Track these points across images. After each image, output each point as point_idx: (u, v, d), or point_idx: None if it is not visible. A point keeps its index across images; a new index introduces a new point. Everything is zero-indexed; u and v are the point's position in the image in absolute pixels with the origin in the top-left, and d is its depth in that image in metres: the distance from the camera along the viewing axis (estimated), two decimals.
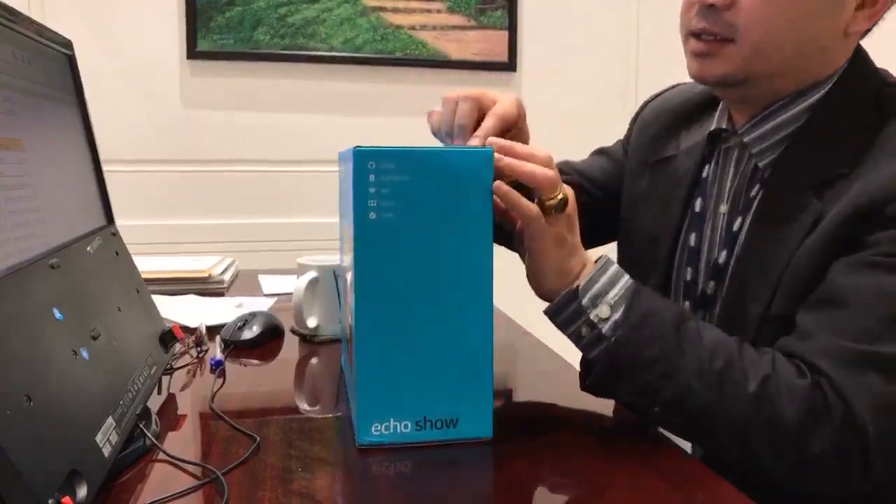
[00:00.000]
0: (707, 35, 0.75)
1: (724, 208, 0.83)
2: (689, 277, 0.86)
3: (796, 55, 0.75)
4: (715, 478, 0.62)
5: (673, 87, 1.02)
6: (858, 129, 0.73)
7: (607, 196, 1.02)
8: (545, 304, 0.73)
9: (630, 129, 1.04)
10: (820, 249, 0.69)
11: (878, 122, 0.72)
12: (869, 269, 0.67)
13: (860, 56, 0.78)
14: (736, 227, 0.80)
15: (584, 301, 0.69)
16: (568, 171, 1.05)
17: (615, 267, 0.72)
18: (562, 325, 0.72)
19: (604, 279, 0.70)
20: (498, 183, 0.65)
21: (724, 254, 0.81)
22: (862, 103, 0.74)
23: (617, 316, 0.69)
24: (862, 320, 0.65)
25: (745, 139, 0.80)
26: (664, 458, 0.66)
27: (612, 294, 0.70)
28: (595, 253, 0.75)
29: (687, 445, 0.85)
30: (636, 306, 0.69)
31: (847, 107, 0.75)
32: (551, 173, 0.67)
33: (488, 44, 2.31)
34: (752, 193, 0.80)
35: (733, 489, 0.60)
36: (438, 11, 2.27)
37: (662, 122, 0.97)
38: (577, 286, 0.70)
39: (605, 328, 0.69)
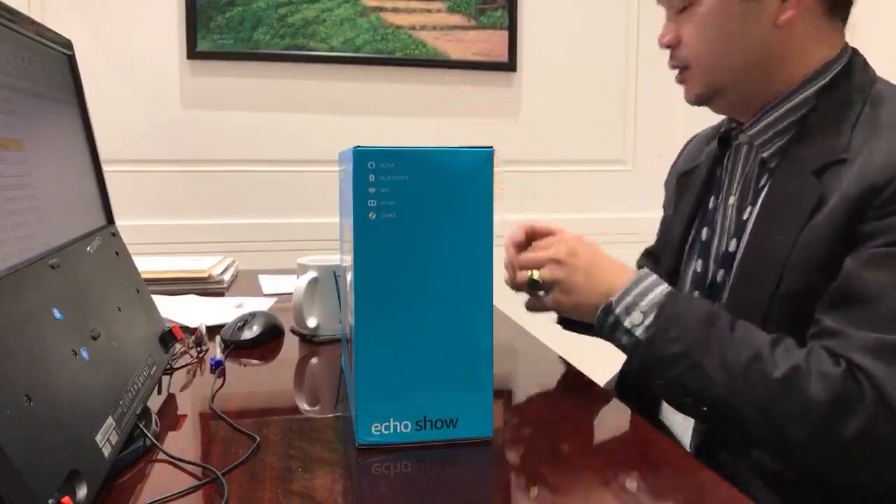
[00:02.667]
0: (676, 69, 0.90)
1: (733, 200, 0.88)
2: (699, 269, 0.90)
3: (745, 63, 0.83)
4: (716, 478, 0.62)
5: (711, 126, 1.10)
6: (853, 119, 0.77)
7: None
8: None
9: (668, 174, 1.13)
10: (827, 231, 0.72)
11: (870, 113, 0.77)
12: (884, 262, 0.69)
13: (856, 55, 0.83)
14: (745, 216, 0.84)
15: (618, 311, 0.79)
16: (643, 264, 1.14)
17: (652, 278, 0.80)
18: (606, 338, 0.82)
19: (637, 290, 0.79)
20: (512, 256, 0.90)
21: (733, 242, 0.84)
22: (856, 97, 0.79)
23: (648, 320, 0.77)
24: (887, 312, 0.67)
25: (749, 133, 0.86)
26: (664, 457, 0.66)
27: (646, 302, 0.78)
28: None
29: (687, 445, 0.85)
30: (666, 309, 0.76)
31: (844, 100, 0.79)
32: (506, 260, 0.89)
33: (488, 44, 2.31)
34: (761, 184, 0.84)
35: (734, 490, 0.60)
36: (438, 11, 2.27)
37: (695, 149, 1.07)
38: (610, 301, 0.80)
39: (639, 332, 0.77)
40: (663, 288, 0.79)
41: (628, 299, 0.79)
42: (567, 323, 0.99)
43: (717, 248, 0.89)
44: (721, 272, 0.85)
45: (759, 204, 0.83)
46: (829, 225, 0.72)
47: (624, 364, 1.03)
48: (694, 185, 0.98)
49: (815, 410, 0.65)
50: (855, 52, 0.83)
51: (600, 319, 0.81)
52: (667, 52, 0.90)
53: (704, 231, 0.92)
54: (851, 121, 0.76)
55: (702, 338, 0.73)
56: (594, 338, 0.88)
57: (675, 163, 1.11)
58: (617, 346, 0.82)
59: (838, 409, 0.65)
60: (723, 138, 0.93)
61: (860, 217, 0.70)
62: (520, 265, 0.87)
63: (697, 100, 0.89)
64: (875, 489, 0.69)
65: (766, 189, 0.82)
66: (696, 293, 0.89)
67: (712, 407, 0.72)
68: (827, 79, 0.81)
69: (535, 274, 0.85)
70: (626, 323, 0.78)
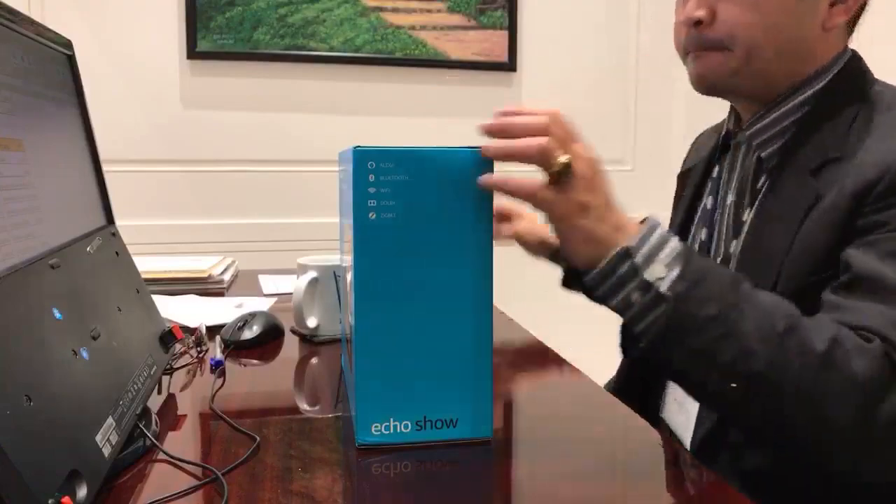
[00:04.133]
0: (701, 51, 0.83)
1: (731, 200, 0.87)
2: None
3: (781, 55, 0.80)
4: (716, 478, 0.62)
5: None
6: (850, 119, 0.77)
7: None
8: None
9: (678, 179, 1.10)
10: (824, 227, 0.71)
11: (867, 114, 0.76)
12: (891, 247, 0.67)
13: (855, 58, 0.83)
14: (744, 216, 0.84)
15: (637, 259, 0.64)
16: None
17: (662, 228, 0.67)
18: (608, 294, 0.66)
19: (653, 239, 0.65)
20: (484, 176, 0.64)
21: (733, 244, 0.84)
22: (854, 98, 0.79)
23: (674, 273, 0.64)
24: None
25: (748, 132, 0.85)
26: (664, 457, 0.66)
27: (665, 253, 0.65)
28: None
29: (688, 445, 0.85)
30: (692, 263, 0.64)
31: (841, 101, 0.79)
32: (538, 141, 0.63)
33: (488, 44, 2.31)
34: (759, 185, 0.83)
35: (734, 490, 0.60)
36: (438, 11, 2.27)
37: (693, 148, 1.05)
38: (628, 247, 0.64)
39: (664, 287, 0.63)
40: (676, 239, 0.67)
41: (647, 248, 0.65)
42: (568, 280, 0.85)
43: (716, 250, 0.88)
44: None
45: (757, 205, 0.82)
46: (826, 221, 0.72)
47: (622, 364, 1.03)
48: (691, 185, 0.98)
49: (860, 386, 0.60)
50: (854, 53, 0.83)
51: (608, 268, 0.65)
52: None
53: (704, 232, 0.91)
54: (848, 121, 0.76)
55: (734, 300, 0.63)
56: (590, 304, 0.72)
57: (684, 162, 1.11)
58: (613, 305, 0.67)
59: (882, 383, 0.61)
60: (725, 138, 0.93)
61: (858, 213, 0.70)
62: (532, 131, 0.65)
63: (718, 85, 0.84)
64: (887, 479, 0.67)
65: (763, 190, 0.82)
66: None
67: (746, 382, 0.62)
68: (826, 80, 0.81)
69: (565, 158, 0.64)
70: (647, 275, 0.64)
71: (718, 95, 0.87)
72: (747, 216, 0.83)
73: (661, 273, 0.64)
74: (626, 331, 0.68)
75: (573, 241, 0.66)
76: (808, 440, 0.63)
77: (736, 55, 0.80)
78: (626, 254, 0.64)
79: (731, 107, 0.92)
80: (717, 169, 0.93)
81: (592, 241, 0.65)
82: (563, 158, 0.63)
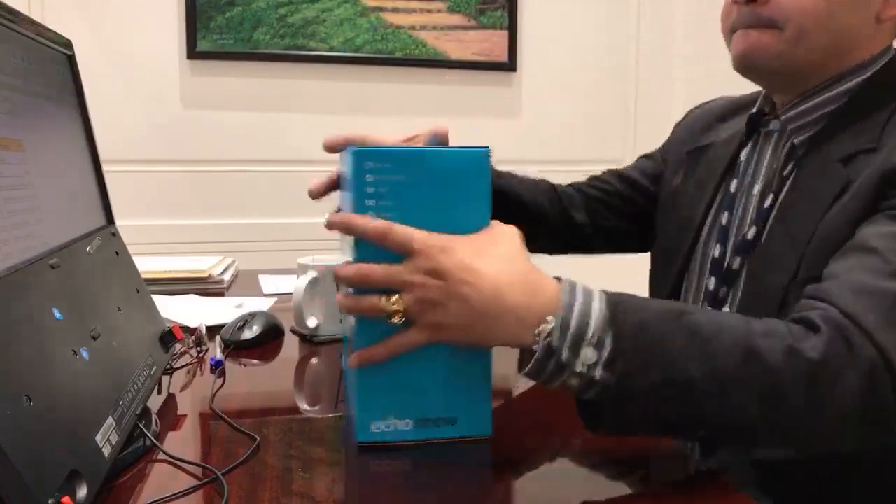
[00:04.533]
0: (750, 28, 0.80)
1: (757, 188, 0.85)
2: (717, 254, 0.86)
3: (834, 42, 0.78)
4: (717, 476, 0.62)
5: (717, 99, 1.06)
6: (888, 114, 0.75)
7: (648, 199, 1.05)
8: None
9: (670, 136, 1.08)
10: (847, 215, 0.70)
11: None
12: (894, 220, 0.66)
13: None
14: (767, 203, 0.81)
15: (565, 356, 0.58)
16: (607, 179, 1.09)
17: (581, 290, 0.61)
18: (547, 382, 0.61)
19: (575, 317, 0.59)
20: (339, 297, 0.64)
21: (752, 230, 0.82)
22: (893, 94, 0.77)
23: (605, 352, 0.58)
24: (890, 263, 0.62)
25: (783, 117, 0.83)
26: (663, 458, 0.66)
27: (593, 329, 0.58)
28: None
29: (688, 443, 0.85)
30: (623, 327, 0.58)
31: (881, 96, 0.78)
32: (357, 303, 0.62)
33: (488, 44, 2.31)
34: (786, 172, 0.81)
35: (735, 489, 0.60)
36: (438, 11, 2.27)
37: (702, 121, 1.01)
38: (549, 342, 0.59)
39: (598, 373, 0.58)
40: (598, 296, 0.60)
41: (570, 333, 0.59)
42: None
43: (735, 234, 0.86)
44: (738, 259, 0.82)
45: (783, 193, 0.80)
46: (849, 208, 0.70)
47: None
48: (712, 167, 0.93)
49: (813, 373, 0.57)
50: None
51: (537, 368, 0.60)
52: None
53: (724, 215, 0.88)
54: (886, 115, 0.75)
55: (674, 354, 0.58)
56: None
57: (675, 132, 1.07)
58: (560, 387, 0.62)
59: (832, 366, 0.57)
60: (752, 121, 0.89)
61: (881, 198, 0.69)
62: (357, 283, 0.63)
63: (766, 68, 0.81)
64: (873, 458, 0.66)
65: (791, 178, 0.81)
66: (713, 279, 0.85)
67: (709, 426, 0.60)
68: (867, 74, 0.80)
69: (391, 301, 0.61)
70: (578, 368, 0.58)
71: (758, 77, 0.85)
72: (771, 202, 0.81)
73: (592, 358, 0.58)
74: (581, 405, 0.64)
75: (490, 343, 0.64)
76: (779, 441, 0.61)
77: (785, 36, 0.78)
78: (549, 351, 0.59)
79: (765, 94, 0.89)
80: (743, 153, 0.89)
81: (484, 345, 0.64)
82: (391, 308, 0.61)
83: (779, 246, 0.77)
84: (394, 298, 0.61)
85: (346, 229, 0.64)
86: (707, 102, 1.07)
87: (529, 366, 0.60)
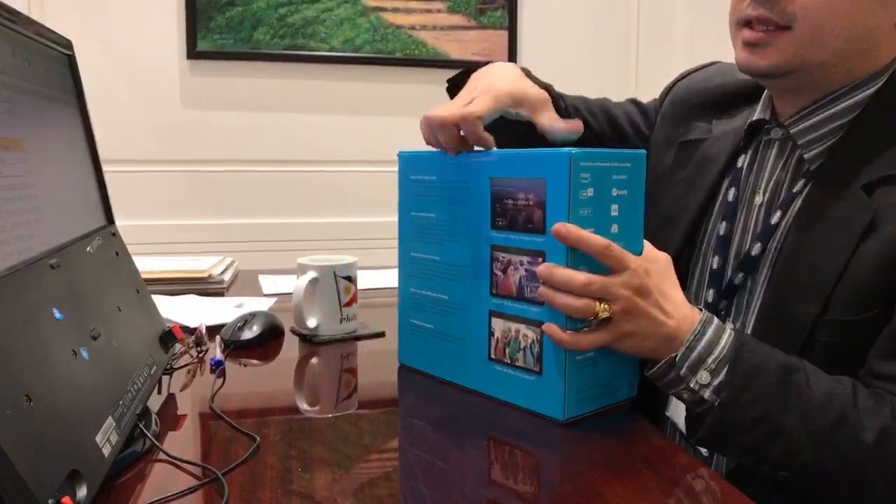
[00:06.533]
0: (761, 23, 0.75)
1: (759, 199, 0.82)
2: (715, 266, 0.84)
3: (849, 45, 0.74)
4: (718, 478, 0.62)
5: (710, 64, 1.01)
6: None
7: (629, 146, 1.01)
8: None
9: (661, 99, 1.03)
10: (883, 262, 0.68)
11: None
12: None
13: None
14: (774, 220, 0.79)
15: (683, 371, 0.70)
16: (594, 111, 1.04)
17: (715, 325, 0.72)
18: (665, 388, 0.74)
19: (702, 344, 0.70)
20: (544, 291, 0.71)
21: (757, 246, 0.79)
22: None
23: (718, 380, 0.69)
24: None
25: (792, 130, 0.79)
26: (666, 456, 0.66)
27: (713, 358, 0.70)
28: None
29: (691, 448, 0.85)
30: (739, 367, 0.68)
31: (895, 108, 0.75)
32: (579, 304, 0.69)
33: (488, 44, 2.31)
34: (797, 188, 0.78)
35: (737, 490, 0.60)
36: (438, 11, 2.27)
37: (694, 104, 0.97)
38: (675, 356, 0.71)
39: (707, 394, 0.70)
40: (729, 336, 0.71)
41: (694, 356, 0.70)
42: None
43: (737, 248, 0.83)
44: (740, 275, 0.80)
45: (793, 210, 0.77)
46: (885, 254, 0.68)
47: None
48: (705, 168, 0.89)
49: None
50: None
51: (659, 372, 0.73)
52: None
53: (723, 226, 0.85)
54: None
55: (780, 398, 0.67)
56: None
57: (666, 111, 1.00)
58: (674, 396, 0.74)
59: None
60: (752, 128, 0.86)
61: None
62: (576, 289, 0.69)
63: (775, 69, 0.76)
64: None
65: (803, 195, 0.77)
66: (712, 292, 0.84)
67: (797, 473, 0.67)
68: (881, 83, 0.76)
69: (605, 308, 0.69)
70: (692, 384, 0.70)
71: (765, 80, 0.81)
72: (779, 219, 0.78)
73: (706, 380, 0.70)
74: (689, 414, 0.74)
75: (638, 355, 0.74)
76: None
77: (797, 36, 0.73)
78: (672, 364, 0.71)
79: (768, 96, 0.85)
80: (742, 159, 0.86)
81: (642, 354, 0.73)
82: (602, 314, 0.69)
83: (801, 275, 0.74)
84: (606, 306, 0.69)
85: (574, 243, 0.69)
86: (698, 69, 1.01)
87: (653, 370, 0.73)
